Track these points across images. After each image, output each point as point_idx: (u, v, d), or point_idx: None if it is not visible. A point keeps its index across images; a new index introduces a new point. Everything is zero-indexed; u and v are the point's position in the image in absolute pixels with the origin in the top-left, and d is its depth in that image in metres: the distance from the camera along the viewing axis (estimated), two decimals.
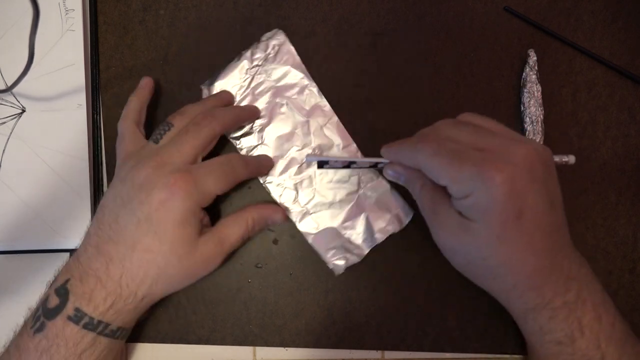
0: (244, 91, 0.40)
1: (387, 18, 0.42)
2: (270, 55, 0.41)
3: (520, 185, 0.27)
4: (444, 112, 0.41)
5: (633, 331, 0.32)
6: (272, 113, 0.40)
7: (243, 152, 0.40)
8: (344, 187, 0.39)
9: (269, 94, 0.40)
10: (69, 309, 0.31)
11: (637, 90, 0.41)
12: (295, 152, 0.40)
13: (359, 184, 0.39)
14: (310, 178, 0.39)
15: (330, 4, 0.42)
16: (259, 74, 0.40)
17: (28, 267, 0.41)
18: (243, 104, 0.40)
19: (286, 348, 0.40)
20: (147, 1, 0.42)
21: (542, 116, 0.39)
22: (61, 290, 0.32)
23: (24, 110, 0.41)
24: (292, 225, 0.39)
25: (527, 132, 0.39)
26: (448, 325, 0.39)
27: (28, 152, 0.40)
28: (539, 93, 0.39)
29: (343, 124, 0.41)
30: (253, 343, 0.40)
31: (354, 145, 0.40)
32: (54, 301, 0.32)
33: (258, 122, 0.40)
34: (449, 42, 0.41)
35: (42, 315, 0.32)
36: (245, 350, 0.40)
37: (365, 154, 0.40)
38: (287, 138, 0.40)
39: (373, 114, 0.41)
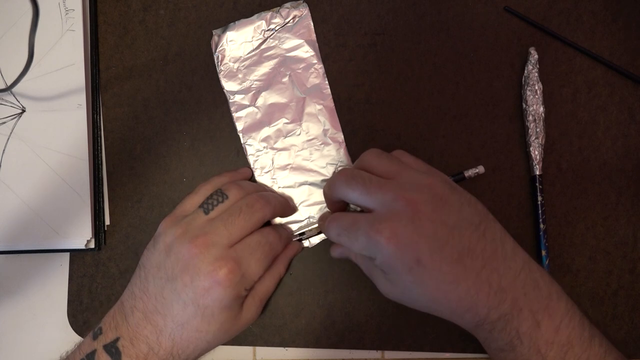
0: (252, 51, 0.41)
1: (387, 18, 0.42)
2: (288, 24, 0.41)
3: (406, 237, 0.29)
4: (444, 112, 0.41)
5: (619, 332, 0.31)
6: (272, 80, 0.41)
7: (232, 109, 0.41)
8: (318, 173, 0.40)
9: (275, 60, 0.41)
10: None
11: (637, 90, 0.41)
12: (283, 124, 0.40)
13: (333, 173, 0.40)
14: (288, 154, 0.40)
15: (330, 4, 0.42)
16: (272, 38, 0.41)
17: (28, 267, 0.41)
18: (248, 62, 0.41)
19: (286, 348, 0.40)
20: (147, 1, 0.42)
21: (543, 114, 0.39)
22: (112, 349, 0.33)
23: (24, 110, 0.41)
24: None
25: (530, 131, 0.39)
26: (448, 325, 0.39)
27: (28, 152, 0.40)
28: (540, 91, 0.39)
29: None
30: (253, 343, 0.40)
31: (342, 136, 0.40)
32: (104, 359, 0.33)
33: (255, 85, 0.41)
34: (449, 42, 0.41)
35: None
36: (245, 350, 0.40)
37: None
38: (280, 108, 0.41)
39: (373, 114, 0.41)
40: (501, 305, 0.30)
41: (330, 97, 0.41)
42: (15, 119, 0.41)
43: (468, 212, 0.31)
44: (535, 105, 0.39)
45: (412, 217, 0.30)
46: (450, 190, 0.32)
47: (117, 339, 0.33)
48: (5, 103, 0.41)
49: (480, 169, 0.39)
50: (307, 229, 0.39)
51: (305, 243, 0.40)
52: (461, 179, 0.39)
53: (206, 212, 0.35)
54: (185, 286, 0.32)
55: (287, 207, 0.39)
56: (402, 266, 0.30)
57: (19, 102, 0.41)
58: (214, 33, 0.41)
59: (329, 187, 0.35)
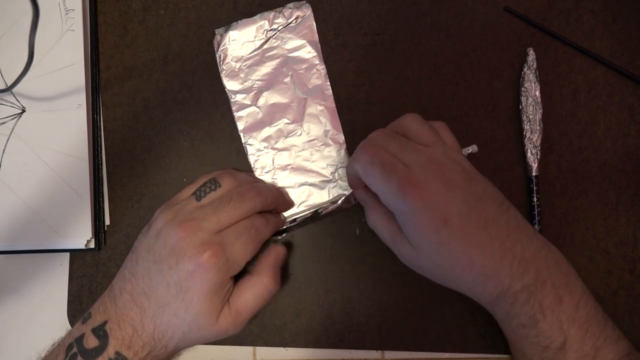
0: (254, 51, 0.41)
1: (387, 18, 0.42)
2: (291, 25, 0.41)
3: (436, 196, 0.30)
4: (444, 112, 0.41)
5: (626, 324, 0.31)
6: (274, 80, 0.41)
7: (233, 108, 0.41)
8: (318, 174, 0.40)
9: (277, 60, 0.41)
10: (110, 352, 0.33)
11: (637, 90, 0.41)
12: (284, 124, 0.40)
13: (333, 174, 0.40)
14: (289, 154, 0.40)
15: (330, 4, 0.42)
16: (275, 38, 0.41)
17: (28, 267, 0.41)
18: (250, 62, 0.41)
19: (286, 348, 0.40)
20: (147, 1, 0.42)
21: (539, 115, 0.39)
22: (99, 331, 0.33)
23: (24, 110, 0.41)
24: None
25: (525, 131, 0.39)
26: (448, 325, 0.39)
27: (28, 152, 0.40)
28: (537, 92, 0.39)
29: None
30: (253, 343, 0.40)
31: (342, 137, 0.41)
32: (92, 342, 0.33)
33: (257, 84, 0.41)
34: (449, 42, 0.41)
35: (79, 354, 0.33)
36: (245, 350, 0.40)
37: None
38: (281, 108, 0.41)
39: (373, 114, 0.41)
40: (525, 276, 0.30)
41: (332, 98, 0.41)
42: (15, 119, 0.41)
43: (493, 191, 0.33)
44: (530, 107, 0.39)
45: (444, 180, 0.31)
46: (476, 171, 0.33)
47: (105, 322, 0.33)
48: (5, 103, 0.41)
49: (474, 148, 0.39)
50: (298, 216, 0.39)
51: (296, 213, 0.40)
52: None
53: (198, 199, 0.35)
54: (170, 268, 0.32)
55: (282, 199, 0.39)
56: (429, 224, 0.30)
57: (19, 102, 0.41)
58: (216, 32, 0.41)
59: (367, 140, 0.35)
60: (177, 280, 0.32)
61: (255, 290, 0.35)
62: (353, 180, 0.36)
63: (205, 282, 0.32)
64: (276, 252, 0.37)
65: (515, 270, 0.30)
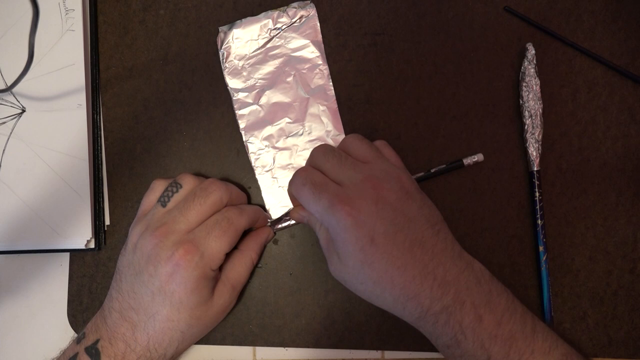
0: (258, 49, 0.41)
1: (387, 18, 0.42)
2: (295, 24, 0.41)
3: (366, 215, 0.31)
4: (444, 112, 0.41)
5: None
6: (277, 79, 0.41)
7: (235, 106, 0.41)
8: None
9: (280, 60, 0.41)
10: None
11: (637, 90, 0.41)
12: (286, 123, 0.40)
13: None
14: (289, 154, 0.40)
15: (330, 4, 0.42)
16: (278, 37, 0.41)
17: (28, 267, 0.41)
18: (253, 60, 0.41)
19: (286, 348, 0.40)
20: (147, 1, 0.42)
21: (540, 110, 0.39)
22: (92, 350, 0.33)
23: (24, 110, 0.41)
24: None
25: (526, 126, 0.39)
26: None
27: (28, 152, 0.40)
28: (538, 87, 0.39)
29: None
30: (253, 343, 0.40)
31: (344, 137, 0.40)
32: None
33: (260, 83, 0.41)
34: (449, 42, 0.41)
35: None
36: (245, 350, 0.40)
37: None
38: (284, 108, 0.41)
39: (373, 114, 0.41)
40: (444, 297, 0.30)
41: (334, 98, 0.41)
42: (15, 119, 0.41)
43: (427, 211, 0.33)
44: (531, 101, 0.39)
45: (376, 199, 0.31)
46: (415, 189, 0.34)
47: (97, 341, 0.34)
48: (5, 103, 0.41)
49: (479, 157, 0.39)
50: (282, 214, 0.39)
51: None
52: (459, 167, 0.39)
53: (163, 205, 0.35)
54: (151, 276, 0.33)
55: (243, 195, 0.39)
56: (356, 242, 0.31)
57: (19, 102, 0.41)
58: (220, 30, 0.41)
59: (308, 158, 0.36)
60: (160, 286, 0.33)
61: (245, 264, 0.37)
62: (292, 200, 0.37)
63: (187, 281, 0.33)
64: (265, 233, 0.39)
65: (435, 292, 0.30)
